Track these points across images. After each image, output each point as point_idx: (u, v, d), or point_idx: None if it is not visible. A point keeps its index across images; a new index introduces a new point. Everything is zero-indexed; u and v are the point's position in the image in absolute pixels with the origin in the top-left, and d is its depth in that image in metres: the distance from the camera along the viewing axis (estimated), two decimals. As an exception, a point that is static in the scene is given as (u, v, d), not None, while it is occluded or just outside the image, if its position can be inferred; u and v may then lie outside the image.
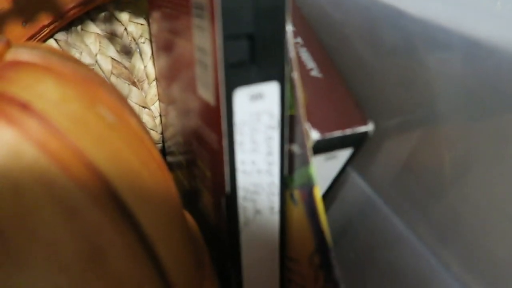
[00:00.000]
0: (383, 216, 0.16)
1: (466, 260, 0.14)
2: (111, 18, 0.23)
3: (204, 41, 0.15)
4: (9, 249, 0.09)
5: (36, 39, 0.21)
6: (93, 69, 0.17)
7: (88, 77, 0.14)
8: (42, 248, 0.09)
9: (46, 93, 0.11)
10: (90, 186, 0.10)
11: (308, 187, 0.15)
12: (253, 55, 0.14)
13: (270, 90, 0.15)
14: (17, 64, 0.12)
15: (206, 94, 0.15)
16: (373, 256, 0.17)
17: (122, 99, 0.16)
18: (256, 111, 0.15)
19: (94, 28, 0.23)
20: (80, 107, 0.12)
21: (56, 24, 0.21)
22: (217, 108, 0.15)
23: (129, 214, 0.11)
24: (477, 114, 0.13)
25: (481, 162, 0.13)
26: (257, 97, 0.14)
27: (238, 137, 0.15)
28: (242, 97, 0.14)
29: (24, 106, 0.10)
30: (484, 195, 0.13)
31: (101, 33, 0.23)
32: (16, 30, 0.21)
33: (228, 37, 0.13)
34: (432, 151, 0.15)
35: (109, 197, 0.11)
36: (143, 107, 0.24)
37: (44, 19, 0.21)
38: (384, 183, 0.17)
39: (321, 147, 0.15)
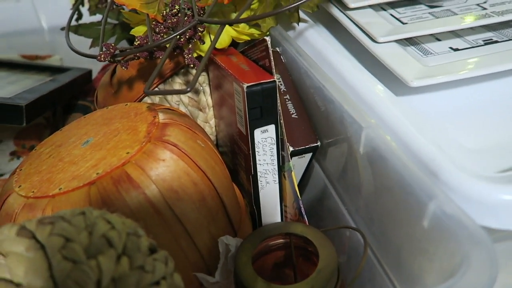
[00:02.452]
0: (329, 192, 0.33)
1: (368, 220, 0.30)
2: (187, 72, 0.41)
3: (240, 105, 0.32)
4: (185, 227, 0.27)
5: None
6: (189, 116, 0.34)
7: (190, 123, 0.32)
8: (196, 220, 0.27)
9: (180, 137, 0.29)
10: (205, 183, 0.28)
11: (290, 171, 0.33)
12: (262, 115, 0.31)
13: (270, 128, 0.32)
14: (165, 124, 0.30)
15: (242, 128, 0.33)
16: (318, 210, 0.35)
17: (202, 130, 0.34)
18: (264, 137, 0.32)
19: (177, 79, 0.40)
20: (192, 142, 0.30)
21: (160, 81, 0.39)
22: (246, 136, 0.32)
23: (216, 189, 0.29)
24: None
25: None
26: (264, 131, 0.32)
27: (256, 149, 0.32)
28: (257, 132, 0.31)
29: (176, 146, 0.28)
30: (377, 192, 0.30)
31: (182, 82, 0.41)
32: (139, 87, 0.39)
33: (250, 108, 0.30)
34: (352, 160, 0.31)
35: (211, 185, 0.29)
36: (205, 122, 0.42)
37: (155, 81, 0.39)
38: (330, 172, 0.34)
39: (295, 153, 0.33)
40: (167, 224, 0.27)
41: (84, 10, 0.51)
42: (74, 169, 0.28)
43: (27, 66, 0.53)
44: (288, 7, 0.30)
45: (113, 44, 0.32)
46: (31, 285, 0.16)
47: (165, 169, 0.27)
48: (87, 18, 0.50)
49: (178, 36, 0.33)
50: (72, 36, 0.45)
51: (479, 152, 0.24)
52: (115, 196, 0.26)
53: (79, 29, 0.45)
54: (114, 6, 0.46)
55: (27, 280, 0.16)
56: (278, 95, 0.31)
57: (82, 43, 0.44)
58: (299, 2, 0.31)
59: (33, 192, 0.27)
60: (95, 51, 0.48)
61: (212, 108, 0.42)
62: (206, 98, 0.41)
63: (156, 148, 0.28)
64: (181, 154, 0.28)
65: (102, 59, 0.31)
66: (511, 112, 0.29)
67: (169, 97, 0.41)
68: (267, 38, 0.31)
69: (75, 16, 0.52)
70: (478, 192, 0.20)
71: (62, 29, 0.46)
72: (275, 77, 0.31)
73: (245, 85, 0.30)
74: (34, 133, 0.43)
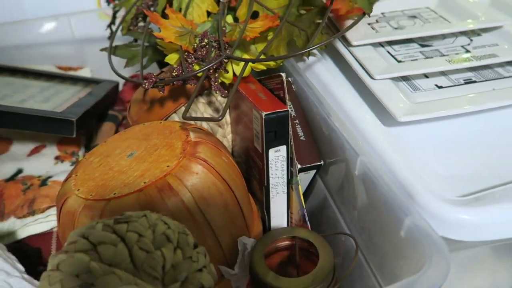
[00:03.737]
0: (328, 203, 0.40)
1: (360, 228, 0.37)
2: (210, 94, 0.47)
3: (257, 128, 0.38)
4: (212, 228, 0.34)
5: (176, 110, 0.46)
6: (213, 133, 0.41)
7: (215, 141, 0.39)
8: (221, 223, 0.34)
9: (208, 154, 0.36)
10: (228, 192, 0.35)
11: (297, 184, 0.39)
12: (276, 137, 0.37)
13: (282, 148, 0.38)
14: (196, 142, 0.36)
15: (258, 146, 0.39)
16: (319, 218, 0.41)
17: (224, 147, 0.40)
18: (277, 156, 0.38)
19: (201, 99, 0.47)
20: (218, 158, 0.36)
21: (187, 101, 0.46)
22: (262, 154, 0.38)
23: (236, 198, 0.36)
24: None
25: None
26: (277, 150, 0.38)
27: (270, 165, 0.39)
28: (272, 151, 0.38)
29: (205, 161, 0.35)
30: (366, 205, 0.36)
31: (204, 101, 0.47)
32: (169, 105, 0.45)
33: (267, 132, 0.37)
34: (349, 179, 0.38)
35: (232, 195, 0.35)
36: (223, 137, 0.48)
37: (183, 100, 0.45)
38: (330, 186, 0.40)
39: (301, 170, 0.39)
40: (199, 226, 0.33)
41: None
42: (124, 177, 0.34)
43: (63, 77, 0.60)
44: (303, 51, 0.37)
45: (154, 74, 0.38)
46: (118, 266, 0.22)
47: (198, 180, 0.34)
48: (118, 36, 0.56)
49: (204, 66, 0.40)
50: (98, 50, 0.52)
51: (449, 178, 0.31)
52: (159, 202, 0.32)
53: (116, 51, 0.51)
54: (145, 30, 0.53)
55: (115, 262, 0.22)
56: (289, 121, 0.37)
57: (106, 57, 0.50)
58: (311, 48, 0.38)
59: (91, 195, 0.33)
60: (129, 70, 0.55)
61: (229, 125, 0.48)
62: (226, 119, 0.48)
63: (190, 163, 0.34)
64: (210, 168, 0.35)
65: (146, 86, 0.38)
66: (480, 145, 0.35)
67: (194, 113, 0.47)
68: (283, 75, 0.37)
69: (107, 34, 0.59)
70: (441, 212, 0.26)
71: (102, 50, 0.52)
72: (288, 106, 0.37)
73: (263, 113, 0.36)
74: (73, 140, 0.50)
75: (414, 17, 0.51)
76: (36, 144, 0.49)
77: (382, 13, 0.53)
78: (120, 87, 0.64)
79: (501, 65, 0.43)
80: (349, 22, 0.47)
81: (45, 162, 0.47)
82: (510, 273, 0.38)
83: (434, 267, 0.23)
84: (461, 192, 0.29)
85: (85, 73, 0.64)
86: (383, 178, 0.29)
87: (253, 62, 0.40)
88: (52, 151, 0.48)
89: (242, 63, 0.42)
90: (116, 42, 0.57)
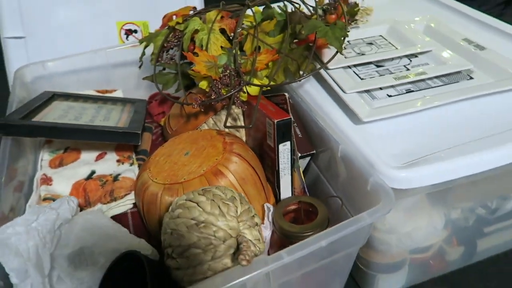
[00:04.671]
0: (321, 179, 0.59)
1: (343, 191, 0.56)
2: (230, 106, 0.65)
3: (270, 130, 0.56)
4: (248, 197, 0.52)
5: (206, 121, 0.63)
6: (243, 143, 0.59)
7: (242, 140, 0.57)
8: (253, 194, 0.52)
9: (241, 149, 0.54)
10: (255, 174, 0.53)
11: (298, 168, 0.58)
12: (283, 136, 0.56)
13: (288, 143, 0.56)
14: (231, 142, 0.54)
15: (270, 143, 0.57)
16: (314, 189, 0.60)
17: (248, 148, 0.58)
18: (284, 148, 0.57)
19: (223, 112, 0.65)
20: (246, 151, 0.54)
21: (214, 113, 0.63)
22: (274, 148, 0.57)
23: (260, 178, 0.54)
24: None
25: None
26: (284, 145, 0.56)
27: (279, 155, 0.57)
28: (281, 146, 0.56)
29: (239, 154, 0.53)
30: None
31: (225, 113, 0.65)
32: (201, 117, 0.63)
33: (277, 133, 0.55)
34: (333, 160, 0.56)
35: (257, 176, 0.53)
36: (240, 138, 0.66)
37: (211, 113, 0.63)
38: (321, 167, 0.59)
39: (301, 157, 0.58)
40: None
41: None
42: (187, 168, 0.52)
43: (104, 99, 0.76)
44: (299, 79, 0.55)
45: (200, 96, 0.56)
46: (213, 213, 0.40)
47: (236, 167, 0.52)
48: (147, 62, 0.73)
49: (232, 91, 0.58)
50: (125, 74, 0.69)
51: (397, 155, 0.50)
52: (215, 182, 0.50)
53: (157, 78, 0.68)
54: (172, 61, 0.70)
55: (211, 211, 0.40)
56: (292, 125, 0.56)
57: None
58: (304, 77, 0.56)
59: (167, 181, 0.51)
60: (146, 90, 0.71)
61: (244, 130, 0.66)
62: (241, 124, 0.66)
63: (230, 156, 0.52)
64: (243, 159, 0.53)
65: (196, 107, 0.55)
66: (418, 133, 0.55)
67: (218, 122, 0.65)
68: (286, 94, 0.56)
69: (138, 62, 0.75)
70: (390, 173, 0.45)
71: (144, 78, 0.69)
72: (290, 115, 0.56)
73: (275, 121, 0.54)
74: (126, 147, 0.66)
75: (371, 43, 0.71)
76: (99, 151, 0.65)
77: (348, 41, 0.72)
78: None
79: (430, 78, 0.62)
80: (326, 51, 0.66)
81: (110, 164, 0.63)
82: (442, 216, 0.58)
83: (385, 202, 0.42)
84: (403, 161, 0.48)
85: (118, 94, 0.80)
86: (355, 157, 0.48)
87: (265, 88, 0.58)
88: (112, 156, 0.65)
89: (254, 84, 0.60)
90: (144, 69, 0.74)
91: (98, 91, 0.80)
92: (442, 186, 0.47)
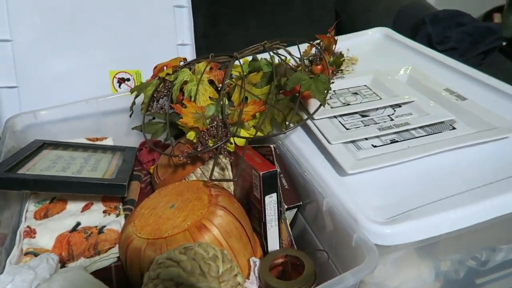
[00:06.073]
0: (307, 230, 0.58)
1: (328, 244, 0.55)
2: (216, 157, 0.65)
3: (256, 182, 0.57)
4: (233, 252, 0.51)
5: (193, 171, 0.63)
6: (225, 188, 0.59)
7: (228, 193, 0.57)
8: (238, 248, 0.52)
9: (226, 202, 0.53)
10: (240, 228, 0.53)
11: (285, 219, 0.57)
12: (269, 188, 0.56)
13: (274, 195, 0.56)
14: (217, 195, 0.54)
15: (257, 194, 0.57)
16: (301, 240, 0.59)
17: (233, 196, 0.58)
18: (270, 200, 0.57)
19: (211, 162, 0.65)
20: (232, 204, 0.54)
21: (202, 163, 0.63)
22: (260, 199, 0.57)
23: (246, 231, 0.53)
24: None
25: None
26: (271, 197, 0.56)
27: (266, 207, 0.57)
28: (267, 197, 0.56)
29: (225, 207, 0.52)
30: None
31: (211, 163, 0.65)
32: (189, 168, 0.63)
33: (263, 185, 0.55)
34: (319, 212, 0.56)
35: (243, 229, 0.53)
36: (228, 188, 0.66)
37: (198, 164, 0.63)
38: (307, 218, 0.59)
39: (287, 209, 0.58)
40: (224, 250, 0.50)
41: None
42: (172, 222, 0.51)
43: (94, 147, 0.76)
44: (282, 132, 0.56)
45: (188, 146, 0.56)
46: (194, 273, 0.39)
47: (221, 220, 0.51)
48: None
49: (218, 142, 0.58)
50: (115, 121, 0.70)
51: (380, 207, 0.50)
52: (199, 236, 0.49)
53: (145, 127, 0.69)
54: (162, 111, 0.71)
55: (192, 271, 0.39)
56: (277, 176, 0.56)
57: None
58: (290, 129, 0.57)
59: (151, 236, 0.50)
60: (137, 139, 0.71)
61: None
62: (229, 173, 0.66)
63: (215, 209, 0.52)
64: (228, 212, 0.53)
65: (182, 159, 0.56)
66: (401, 185, 0.55)
67: (206, 172, 0.65)
68: (272, 147, 0.56)
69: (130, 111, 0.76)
70: (373, 229, 0.45)
71: (134, 128, 0.70)
72: (276, 167, 0.56)
73: (261, 173, 0.55)
74: (113, 197, 0.66)
75: (356, 93, 0.73)
76: (86, 202, 0.65)
77: (334, 91, 0.74)
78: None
79: (414, 129, 0.64)
80: (312, 101, 0.67)
81: (96, 216, 0.63)
82: (431, 268, 0.57)
83: (369, 260, 0.42)
84: (386, 216, 0.48)
85: (109, 141, 0.81)
86: (340, 212, 0.48)
87: (251, 139, 0.59)
88: (99, 206, 0.64)
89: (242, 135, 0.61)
90: (134, 117, 0.76)
91: (89, 139, 0.80)
92: (427, 242, 0.47)
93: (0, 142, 0.70)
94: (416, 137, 0.62)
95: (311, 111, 0.66)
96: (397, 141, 0.61)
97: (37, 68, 0.85)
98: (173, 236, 0.49)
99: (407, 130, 0.63)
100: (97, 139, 0.81)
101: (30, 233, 0.58)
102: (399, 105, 0.69)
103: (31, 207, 0.63)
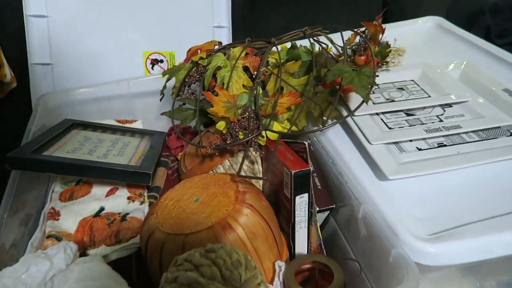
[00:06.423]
0: (338, 235, 0.54)
1: (362, 254, 0.51)
2: (246, 151, 0.62)
3: (287, 180, 0.53)
4: (258, 254, 0.48)
5: (222, 162, 0.60)
6: (254, 184, 0.55)
7: (256, 189, 0.53)
8: (264, 250, 0.48)
9: (253, 200, 0.50)
10: (267, 228, 0.49)
11: (315, 222, 0.53)
12: (301, 187, 0.52)
13: (305, 195, 0.52)
14: (244, 191, 0.51)
15: (287, 193, 0.54)
16: (331, 246, 0.55)
17: (262, 193, 0.55)
18: (301, 201, 0.53)
19: (240, 154, 0.61)
20: (259, 202, 0.50)
21: (230, 155, 0.60)
22: (290, 199, 0.53)
23: (273, 232, 0.50)
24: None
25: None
26: (302, 197, 0.52)
27: (296, 207, 0.53)
28: (298, 198, 0.52)
29: (252, 206, 0.49)
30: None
31: (241, 155, 0.62)
32: (217, 158, 0.60)
33: (294, 184, 0.51)
34: (353, 218, 0.52)
35: (270, 230, 0.49)
36: (256, 182, 0.62)
37: (227, 156, 0.60)
38: (339, 222, 0.54)
39: (319, 211, 0.53)
40: (249, 252, 0.47)
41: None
42: (195, 217, 0.48)
43: (123, 130, 0.75)
44: (322, 128, 0.52)
45: (214, 142, 0.53)
46: (214, 279, 0.36)
47: (247, 220, 0.48)
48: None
49: (249, 135, 0.55)
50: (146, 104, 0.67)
51: (422, 220, 0.45)
52: (222, 236, 0.46)
53: (174, 113, 0.66)
54: (192, 97, 0.68)
55: (212, 277, 0.36)
56: (310, 176, 0.52)
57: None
58: (328, 126, 0.53)
59: (173, 230, 0.48)
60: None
61: (261, 174, 0.63)
62: (258, 167, 0.62)
63: (242, 207, 0.49)
64: (255, 211, 0.49)
65: (209, 151, 0.53)
66: (447, 195, 0.50)
67: (235, 165, 0.62)
68: (306, 144, 0.52)
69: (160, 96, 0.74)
70: (415, 246, 0.40)
71: (163, 114, 0.67)
72: (310, 165, 0.52)
73: (293, 171, 0.51)
74: (139, 184, 0.64)
75: (402, 89, 0.67)
76: (111, 187, 0.63)
77: (377, 85, 0.68)
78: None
79: (465, 132, 0.57)
80: (353, 95, 0.62)
81: (120, 202, 0.61)
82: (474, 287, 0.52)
83: (409, 281, 0.37)
84: (430, 231, 0.43)
85: (138, 124, 0.79)
86: (378, 222, 0.43)
87: (284, 135, 0.55)
88: (124, 192, 0.63)
89: (273, 129, 0.57)
90: (165, 102, 0.73)
91: (119, 121, 0.79)
92: (474, 263, 0.42)
93: (31, 120, 0.70)
94: (467, 142, 0.56)
95: (351, 106, 0.61)
96: (445, 145, 0.56)
97: (71, 46, 0.84)
98: (195, 233, 0.46)
99: (457, 134, 0.57)
100: (126, 122, 0.79)
101: (54, 215, 0.58)
102: (449, 105, 0.62)
103: (57, 188, 0.63)
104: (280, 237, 0.54)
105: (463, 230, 0.42)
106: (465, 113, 0.60)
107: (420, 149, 0.55)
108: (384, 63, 0.76)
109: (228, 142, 0.55)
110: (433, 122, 0.59)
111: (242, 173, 0.61)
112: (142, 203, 0.61)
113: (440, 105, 0.62)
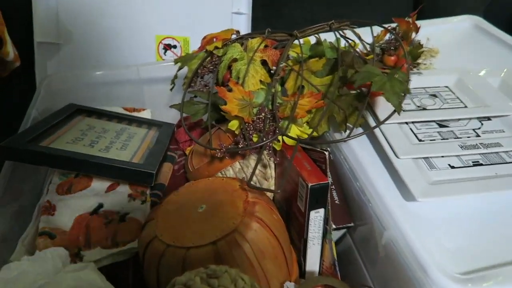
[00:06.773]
0: (355, 256, 0.49)
1: (380, 281, 0.46)
2: (260, 156, 0.57)
3: (302, 192, 0.48)
4: (265, 274, 0.43)
5: (232, 165, 0.55)
6: (265, 194, 0.51)
7: (267, 200, 0.48)
8: (272, 269, 0.44)
9: (263, 213, 0.45)
10: (277, 246, 0.44)
11: (330, 239, 0.49)
12: (317, 202, 0.47)
13: (321, 210, 0.47)
14: (254, 202, 0.46)
15: (301, 206, 0.49)
16: (346, 267, 0.50)
17: (274, 204, 0.50)
18: (316, 216, 0.48)
19: (252, 157, 0.56)
20: (270, 216, 0.46)
21: (242, 158, 0.55)
22: (304, 213, 0.48)
23: (283, 250, 0.45)
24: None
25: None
26: (317, 212, 0.48)
27: (310, 223, 0.48)
28: (312, 212, 0.47)
29: (261, 219, 0.44)
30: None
31: (254, 158, 0.57)
32: (227, 161, 0.55)
33: (310, 198, 0.46)
34: (373, 241, 0.47)
35: (280, 248, 0.45)
36: (269, 187, 0.57)
37: (238, 158, 0.55)
38: (357, 243, 0.49)
39: (335, 229, 0.48)
40: (256, 272, 0.43)
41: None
42: (198, 228, 0.44)
43: (129, 119, 0.70)
44: (345, 139, 0.46)
45: (224, 144, 0.48)
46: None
47: (255, 235, 0.43)
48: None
49: (264, 139, 0.50)
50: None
51: (454, 252, 0.40)
52: (227, 252, 0.42)
53: (184, 107, 0.61)
54: (205, 89, 0.63)
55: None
56: (329, 190, 0.47)
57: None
58: (353, 137, 0.47)
59: (173, 242, 0.43)
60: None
61: (273, 179, 0.58)
62: (271, 171, 0.57)
63: (250, 221, 0.44)
64: (265, 226, 0.44)
65: (219, 155, 0.48)
66: (484, 223, 0.44)
67: (245, 168, 0.57)
68: (327, 153, 0.47)
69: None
70: (444, 285, 0.35)
71: (172, 106, 0.62)
72: (328, 178, 0.47)
73: (309, 184, 0.46)
74: (141, 180, 0.60)
75: (435, 96, 0.60)
76: (112, 181, 0.59)
77: (410, 93, 0.62)
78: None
79: (505, 152, 0.51)
80: (381, 100, 0.56)
81: (120, 199, 0.57)
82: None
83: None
84: (464, 269, 0.38)
85: (147, 114, 0.75)
86: (403, 253, 0.38)
87: (302, 142, 0.50)
88: (125, 189, 0.59)
89: (291, 133, 0.52)
90: (175, 93, 0.68)
91: (126, 109, 0.74)
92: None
93: (32, 102, 0.66)
94: (507, 163, 0.50)
95: (379, 112, 0.55)
96: (481, 164, 0.50)
97: (81, 26, 0.79)
98: (197, 247, 0.42)
99: (496, 153, 0.51)
100: (134, 110, 0.75)
101: (49, 209, 0.54)
102: (488, 118, 0.56)
103: (55, 179, 0.59)
104: (290, 254, 0.49)
105: (501, 273, 0.37)
106: (506, 128, 0.54)
107: (452, 167, 0.50)
108: (415, 65, 0.70)
109: (240, 145, 0.50)
110: (469, 137, 0.53)
111: (253, 177, 0.56)
112: (143, 202, 0.57)
113: (478, 118, 0.56)
